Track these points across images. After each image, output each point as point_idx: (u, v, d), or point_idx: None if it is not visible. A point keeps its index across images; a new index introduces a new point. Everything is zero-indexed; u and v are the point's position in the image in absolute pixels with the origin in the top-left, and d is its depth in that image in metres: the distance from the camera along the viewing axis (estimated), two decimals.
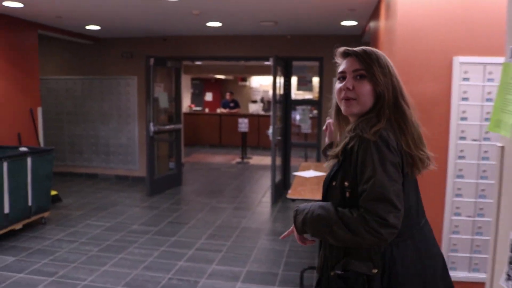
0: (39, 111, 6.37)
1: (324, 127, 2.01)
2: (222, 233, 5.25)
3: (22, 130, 6.04)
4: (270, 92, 16.72)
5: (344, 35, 7.19)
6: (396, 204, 1.34)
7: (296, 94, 8.03)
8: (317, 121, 7.43)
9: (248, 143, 11.46)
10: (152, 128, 6.80)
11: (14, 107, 5.92)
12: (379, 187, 1.34)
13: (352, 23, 6.10)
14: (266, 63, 11.79)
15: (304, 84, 7.45)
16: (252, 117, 12.54)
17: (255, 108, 13.30)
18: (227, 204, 6.54)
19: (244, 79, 16.61)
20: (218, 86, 16.88)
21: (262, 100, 15.53)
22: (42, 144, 6.36)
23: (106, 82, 7.97)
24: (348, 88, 1.49)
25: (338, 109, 1.64)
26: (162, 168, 8.01)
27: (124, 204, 6.44)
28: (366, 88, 1.48)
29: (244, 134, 10.80)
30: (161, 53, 7.41)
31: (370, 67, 1.48)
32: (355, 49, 1.55)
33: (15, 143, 5.88)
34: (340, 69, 1.56)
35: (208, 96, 16.70)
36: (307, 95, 11.19)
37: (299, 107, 7.52)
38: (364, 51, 1.54)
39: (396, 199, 1.35)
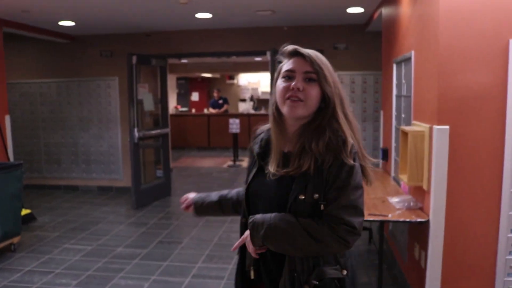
0: (7, 119, 5.60)
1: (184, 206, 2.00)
2: (221, 253, 4.58)
3: None
4: (260, 90, 16.22)
5: (346, 25, 6.54)
6: (363, 211, 1.45)
7: None
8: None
9: (240, 144, 10.76)
10: (136, 134, 6.08)
11: None
12: (349, 197, 1.41)
13: (359, 10, 5.45)
14: (257, 58, 11.12)
15: None
16: (243, 116, 11.85)
17: (245, 107, 12.62)
18: (223, 217, 5.84)
19: (232, 77, 15.90)
20: (204, 85, 16.13)
21: (252, 99, 14.82)
22: (11, 157, 5.59)
23: (84, 84, 7.21)
24: (298, 89, 1.45)
25: (277, 109, 1.55)
26: (148, 177, 7.29)
27: (108, 221, 5.71)
28: (315, 91, 1.46)
29: (235, 135, 10.11)
30: (145, 51, 6.68)
31: (322, 71, 1.47)
32: (306, 50, 1.51)
33: None
34: (288, 67, 1.50)
35: (195, 96, 15.95)
36: None
37: None
38: (316, 54, 1.52)
39: (362, 206, 1.45)
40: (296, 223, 1.40)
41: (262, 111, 13.26)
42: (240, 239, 1.54)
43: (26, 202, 6.25)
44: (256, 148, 1.63)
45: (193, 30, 6.82)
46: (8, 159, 5.53)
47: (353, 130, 1.51)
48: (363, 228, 1.75)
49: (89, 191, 7.40)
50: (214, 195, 1.91)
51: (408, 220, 2.87)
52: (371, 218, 2.93)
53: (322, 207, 1.43)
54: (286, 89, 1.47)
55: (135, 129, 6.07)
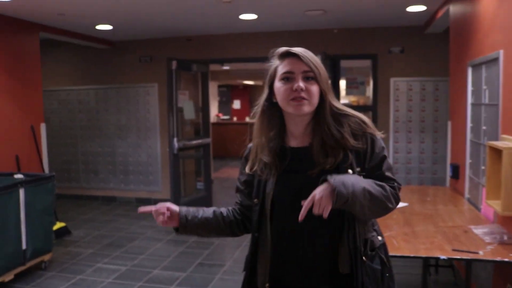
0: (42, 128, 5.34)
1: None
2: None
3: (21, 152, 5.01)
4: None
5: (403, 27, 5.96)
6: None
7: (344, 98, 6.82)
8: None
9: None
10: (176, 144, 5.70)
11: (10, 124, 4.90)
12: (388, 161, 1.58)
13: (420, 8, 4.88)
14: None
15: (355, 87, 6.26)
16: None
17: None
18: (206, 237, 5.36)
19: None
20: (246, 93, 15.79)
21: None
22: (46, 168, 5.32)
23: (123, 91, 6.93)
24: (301, 89, 1.50)
25: (269, 110, 1.62)
26: (189, 189, 6.92)
27: (145, 237, 5.34)
28: (315, 88, 1.52)
29: None
30: (185, 56, 6.33)
31: (316, 68, 1.52)
32: (298, 49, 1.54)
33: (12, 168, 4.86)
34: (285, 69, 1.53)
35: (236, 104, 15.61)
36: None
37: None
38: (307, 52, 1.54)
39: None
40: (368, 181, 1.47)
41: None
42: (309, 199, 1.39)
43: (61, 213, 6.01)
44: (265, 158, 1.61)
45: (237, 33, 6.42)
46: (43, 169, 5.26)
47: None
48: None
49: (127, 202, 7.09)
50: (203, 210, 1.80)
51: (506, 260, 2.30)
52: (457, 256, 2.37)
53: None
54: (289, 90, 1.51)
55: (175, 139, 5.69)
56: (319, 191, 1.38)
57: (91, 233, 5.48)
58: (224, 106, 15.39)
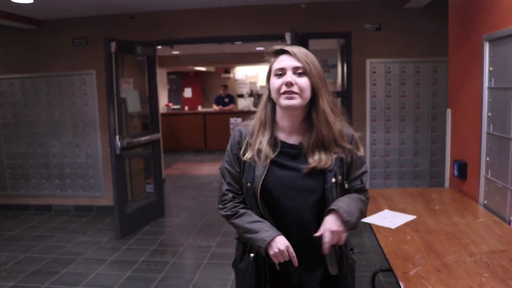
0: None
1: None
2: None
3: None
4: (258, 84, 14.85)
5: (379, 1, 5.22)
6: None
7: None
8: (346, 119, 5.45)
9: None
10: (118, 142, 4.74)
11: None
12: (364, 175, 1.77)
13: None
14: (258, 48, 9.79)
15: (326, 71, 5.48)
16: (243, 114, 10.51)
17: (245, 104, 11.28)
18: (233, 248, 4.54)
19: (228, 71, 14.56)
20: (198, 80, 14.78)
21: (251, 94, 13.49)
22: None
23: (54, 80, 5.84)
24: (291, 83, 1.58)
25: (269, 104, 1.72)
26: (136, 192, 5.97)
27: (83, 258, 4.37)
28: (306, 83, 1.60)
29: None
30: (128, 37, 5.32)
31: (308, 64, 1.60)
32: (292, 47, 1.64)
33: None
34: (278, 65, 1.63)
35: (188, 92, 14.59)
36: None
37: None
38: (300, 50, 1.64)
39: None
40: (363, 202, 1.75)
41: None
42: (327, 235, 1.59)
43: None
44: (262, 146, 1.67)
45: (188, 9, 5.46)
46: None
47: (338, 114, 1.73)
48: None
49: (64, 211, 6.04)
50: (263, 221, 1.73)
51: None
52: None
53: (346, 186, 1.72)
54: (280, 85, 1.61)
55: (117, 137, 4.73)
56: (331, 225, 1.59)
57: (16, 257, 4.45)
58: (175, 95, 14.34)
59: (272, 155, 1.66)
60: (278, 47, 1.68)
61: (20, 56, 5.88)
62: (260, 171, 1.65)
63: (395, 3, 5.18)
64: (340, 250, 1.70)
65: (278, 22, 5.34)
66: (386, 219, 2.69)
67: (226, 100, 11.20)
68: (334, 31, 5.35)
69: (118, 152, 4.76)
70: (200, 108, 12.65)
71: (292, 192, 1.64)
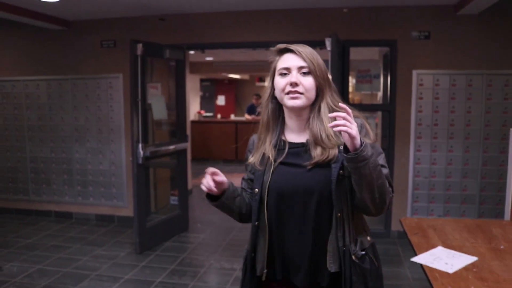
0: None
1: None
2: None
3: None
4: None
5: (429, 6, 4.75)
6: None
7: (354, 95, 5.59)
8: (388, 135, 5.01)
9: None
10: (141, 151, 4.43)
11: None
12: (386, 163, 1.60)
13: None
14: None
15: (368, 81, 5.04)
16: None
17: None
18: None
19: (262, 79, 14.23)
20: (232, 88, 14.51)
21: None
22: None
23: (81, 83, 5.62)
24: (296, 84, 1.56)
25: (271, 104, 1.70)
26: (161, 204, 5.68)
27: (98, 274, 4.06)
28: (311, 83, 1.57)
29: None
30: (158, 39, 5.03)
31: (312, 64, 1.57)
32: (296, 46, 1.60)
33: None
34: (282, 65, 1.60)
35: (221, 100, 14.33)
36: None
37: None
38: (305, 48, 1.60)
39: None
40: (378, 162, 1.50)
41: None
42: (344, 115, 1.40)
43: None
44: (265, 150, 1.68)
45: (222, 12, 5.15)
46: None
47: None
48: None
49: (85, 220, 5.79)
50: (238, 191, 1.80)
51: None
52: None
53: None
54: (285, 85, 1.58)
55: (140, 145, 4.42)
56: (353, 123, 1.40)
57: (28, 268, 4.18)
58: (208, 102, 14.10)
59: (277, 157, 1.64)
60: (283, 45, 1.64)
61: (47, 57, 5.69)
62: (267, 176, 1.64)
63: (447, 9, 4.71)
64: (344, 244, 1.56)
65: (316, 27, 4.96)
66: (442, 259, 2.24)
67: (259, 109, 10.82)
68: (378, 39, 4.92)
69: (140, 161, 4.45)
70: (232, 117, 12.34)
71: (299, 189, 1.59)
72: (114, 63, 5.44)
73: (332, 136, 1.55)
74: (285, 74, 1.59)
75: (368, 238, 1.64)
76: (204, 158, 10.76)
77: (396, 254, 4.65)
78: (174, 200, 5.52)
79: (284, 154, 1.64)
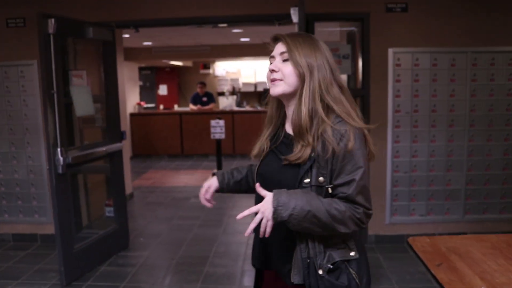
0: None
1: None
2: None
3: None
4: (241, 81, 13.59)
5: None
6: (369, 193, 1.49)
7: None
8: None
9: (224, 150, 8.17)
10: (60, 158, 3.45)
11: None
12: (363, 179, 1.44)
13: None
14: (243, 39, 8.57)
15: (337, 62, 4.28)
16: (225, 115, 9.24)
17: (227, 103, 10.01)
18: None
19: (207, 66, 13.26)
20: (174, 76, 13.44)
21: (234, 92, 12.21)
22: None
23: None
24: (274, 70, 1.55)
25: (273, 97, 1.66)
26: (94, 216, 4.71)
27: None
28: (289, 69, 1.52)
29: (218, 141, 7.54)
30: (80, 17, 4.01)
31: (292, 50, 1.52)
32: (285, 34, 1.57)
33: None
34: (272, 53, 1.59)
35: (162, 90, 13.22)
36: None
37: None
38: (292, 35, 1.57)
39: (369, 185, 1.50)
40: (323, 209, 1.41)
41: (247, 107, 10.67)
42: (253, 210, 1.45)
43: None
44: (262, 141, 1.69)
45: None
46: None
47: (347, 100, 1.54)
48: None
49: (0, 241, 4.71)
50: (238, 172, 1.87)
51: None
52: None
53: (329, 190, 1.47)
54: (268, 73, 1.57)
55: (58, 150, 3.44)
56: (262, 209, 1.42)
57: None
58: (148, 92, 12.98)
59: (269, 148, 1.64)
60: (273, 34, 1.62)
61: None
62: (258, 163, 1.67)
63: None
64: (308, 256, 1.49)
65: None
66: None
67: (205, 99, 9.92)
68: (348, 12, 4.16)
69: (60, 170, 3.47)
70: (176, 107, 11.34)
71: (270, 184, 1.51)
72: (25, 46, 4.36)
73: (306, 134, 1.47)
74: (271, 63, 1.58)
75: (352, 253, 1.51)
76: (147, 155, 9.76)
77: (377, 264, 3.96)
78: (109, 211, 4.55)
79: (277, 144, 1.61)
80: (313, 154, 1.45)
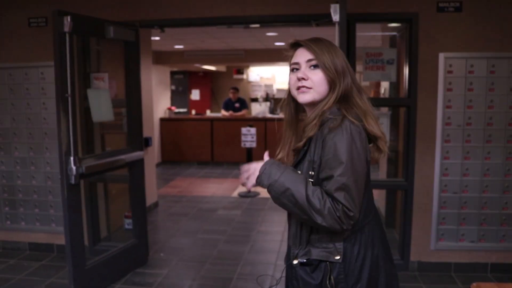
0: None
1: None
2: None
3: None
4: (275, 87, 13.20)
5: None
6: (355, 196, 1.41)
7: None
8: (405, 136, 3.85)
9: (254, 158, 7.79)
10: (73, 167, 3.16)
11: None
12: (344, 175, 1.38)
13: None
14: (277, 43, 8.21)
15: (379, 68, 3.85)
16: (257, 122, 8.90)
17: (260, 110, 9.66)
18: None
19: (240, 71, 12.98)
20: (207, 81, 13.21)
21: (267, 98, 11.86)
22: None
23: (4, 73, 4.30)
24: (303, 78, 1.52)
25: (292, 102, 1.65)
26: (114, 227, 4.44)
27: None
28: (319, 76, 1.50)
29: (249, 150, 7.18)
30: (101, 15, 3.74)
31: (321, 56, 1.50)
32: (306, 39, 1.56)
33: None
34: (294, 60, 1.56)
35: (195, 95, 13.01)
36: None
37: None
38: (314, 40, 1.55)
39: (358, 191, 1.42)
40: (304, 194, 1.40)
41: (281, 114, 10.27)
42: (246, 169, 1.56)
43: None
44: (285, 150, 1.69)
45: None
46: None
47: (362, 100, 1.53)
48: None
49: (15, 250, 4.49)
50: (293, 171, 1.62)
51: None
52: None
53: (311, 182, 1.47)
54: (295, 80, 1.53)
55: (71, 159, 3.15)
56: (254, 167, 1.51)
57: None
58: (180, 97, 12.78)
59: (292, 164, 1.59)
60: (292, 40, 1.60)
61: None
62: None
63: None
64: (290, 264, 1.57)
65: None
66: None
67: (237, 105, 9.59)
68: (393, 12, 3.73)
69: (73, 181, 3.18)
70: (208, 113, 11.07)
71: None
72: (46, 47, 4.10)
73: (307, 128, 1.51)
74: (296, 69, 1.56)
75: (337, 257, 1.47)
76: (176, 161, 9.50)
77: None
78: (128, 224, 4.26)
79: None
80: (305, 148, 1.51)
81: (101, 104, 3.57)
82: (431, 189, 3.84)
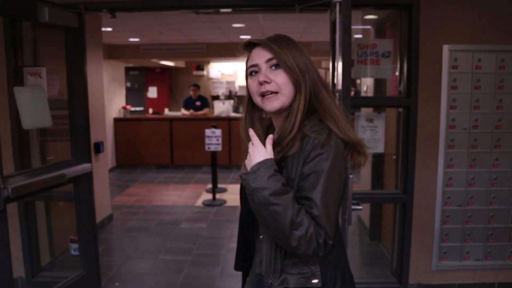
0: None
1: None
2: None
3: None
4: (237, 84, 12.58)
5: None
6: (334, 221, 1.29)
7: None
8: (403, 142, 3.31)
9: (219, 162, 7.12)
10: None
11: None
12: (330, 202, 1.26)
13: None
14: (242, 37, 7.54)
15: (374, 62, 3.29)
16: (220, 122, 8.25)
17: (223, 108, 8.97)
18: None
19: (200, 67, 12.26)
20: (164, 78, 12.42)
21: (230, 96, 11.21)
22: None
23: None
24: (265, 82, 1.33)
25: (251, 107, 1.45)
26: (58, 251, 3.72)
27: None
28: (283, 78, 1.33)
29: (214, 153, 6.52)
30: None
31: (280, 55, 1.32)
32: (261, 38, 1.37)
33: None
34: (250, 62, 1.37)
35: (152, 92, 12.20)
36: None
37: (361, 113, 3.32)
38: (271, 38, 1.36)
39: (336, 215, 1.32)
40: (290, 215, 1.21)
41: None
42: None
43: None
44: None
45: None
46: None
47: (332, 104, 1.36)
48: None
49: None
50: None
51: None
52: None
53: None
54: (256, 85, 1.35)
55: None
56: (252, 155, 1.30)
57: None
58: (136, 95, 11.94)
59: None
60: (245, 40, 1.40)
61: None
62: None
63: None
64: (260, 272, 1.39)
65: None
66: None
67: (198, 103, 8.89)
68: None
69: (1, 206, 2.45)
70: (167, 112, 10.32)
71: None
72: None
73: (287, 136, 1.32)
74: (255, 72, 1.36)
75: (315, 280, 1.33)
76: (132, 165, 8.72)
77: None
78: (75, 249, 3.53)
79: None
80: (282, 164, 1.32)
81: (34, 106, 2.82)
82: (432, 202, 3.33)
